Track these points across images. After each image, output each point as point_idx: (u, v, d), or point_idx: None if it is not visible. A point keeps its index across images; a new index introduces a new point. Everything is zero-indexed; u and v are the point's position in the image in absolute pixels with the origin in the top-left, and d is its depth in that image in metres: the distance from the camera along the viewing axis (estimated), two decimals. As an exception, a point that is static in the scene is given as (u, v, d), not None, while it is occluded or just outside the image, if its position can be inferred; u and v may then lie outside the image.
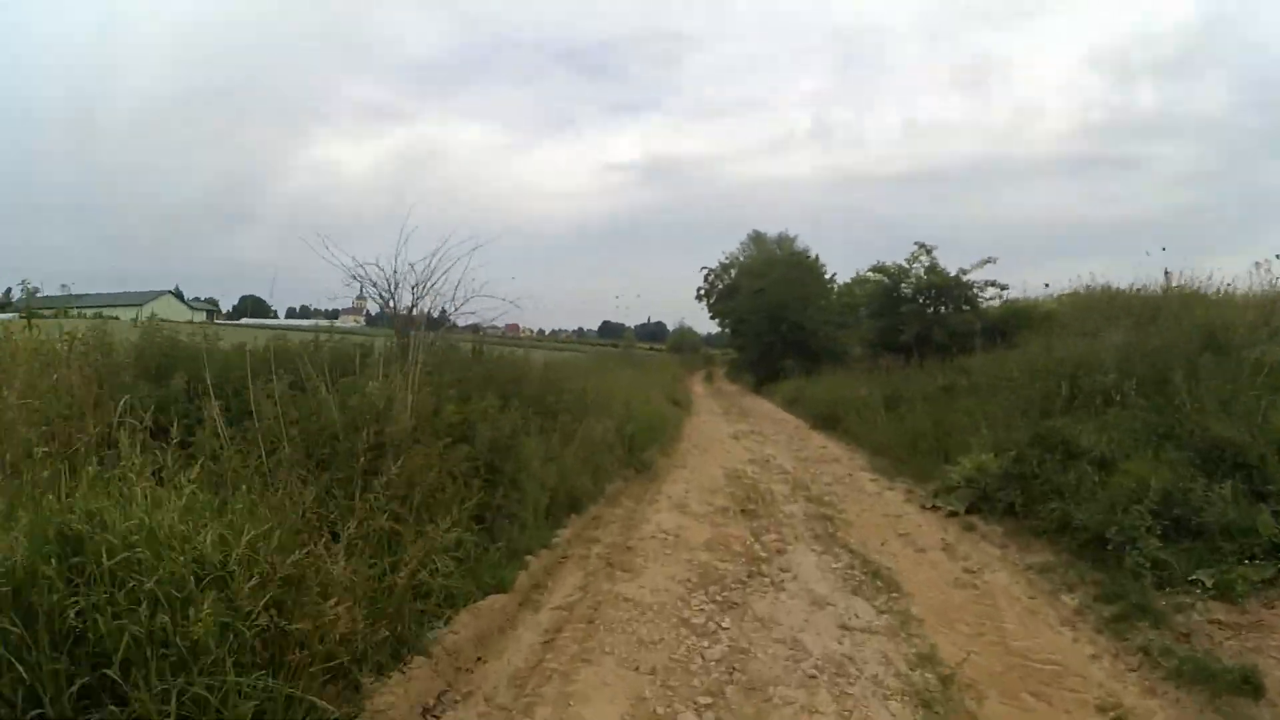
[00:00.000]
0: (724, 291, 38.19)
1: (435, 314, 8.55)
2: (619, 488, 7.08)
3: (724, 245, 38.35)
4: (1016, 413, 7.94)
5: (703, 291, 39.53)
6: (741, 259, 37.56)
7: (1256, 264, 10.20)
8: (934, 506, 7.01)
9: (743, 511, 6.44)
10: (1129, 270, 18.70)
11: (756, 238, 37.15)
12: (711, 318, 38.86)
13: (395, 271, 7.72)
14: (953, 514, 6.70)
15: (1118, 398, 7.08)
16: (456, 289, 8.18)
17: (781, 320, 22.47)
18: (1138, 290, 11.48)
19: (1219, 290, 10.02)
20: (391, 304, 8.80)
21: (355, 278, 8.03)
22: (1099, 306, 11.29)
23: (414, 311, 9.10)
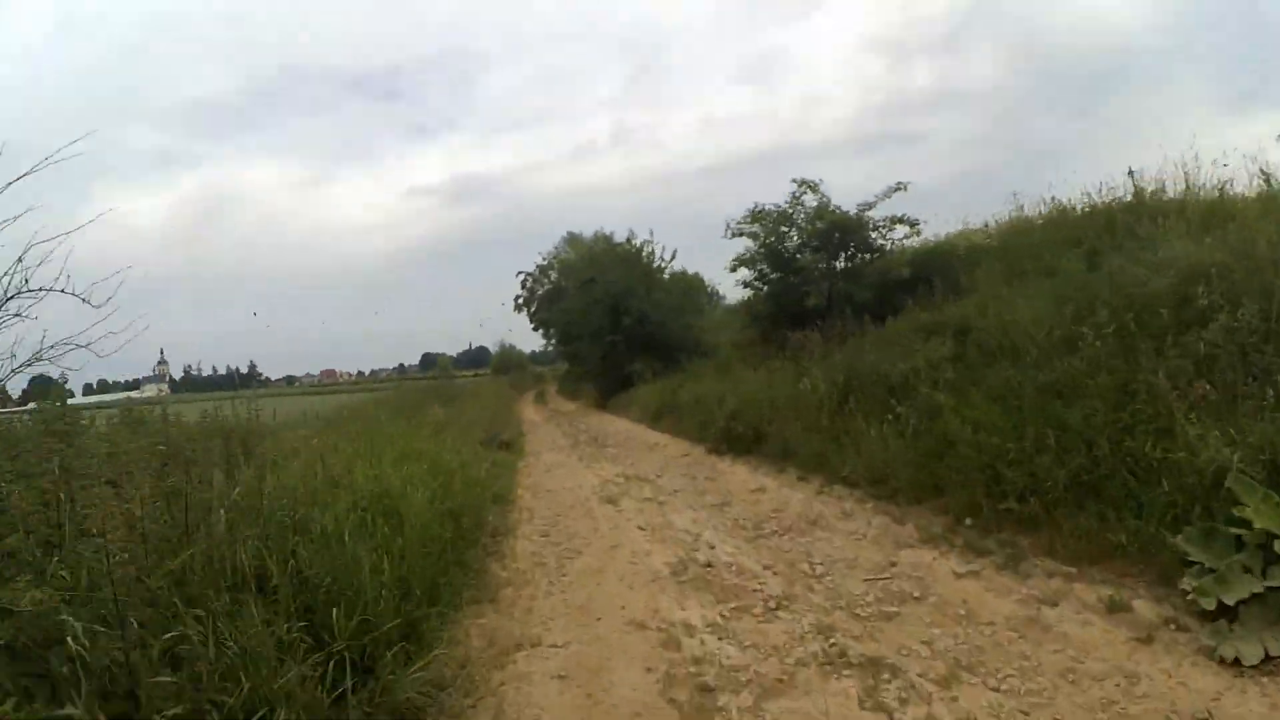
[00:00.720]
0: (546, 297, 32.84)
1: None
2: None
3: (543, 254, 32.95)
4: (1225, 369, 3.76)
5: (522, 300, 33.93)
6: (560, 257, 32.62)
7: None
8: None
9: None
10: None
11: (572, 239, 32.46)
12: (535, 328, 33.39)
13: None
14: None
15: None
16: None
17: (623, 313, 17.75)
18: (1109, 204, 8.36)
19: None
20: None
21: None
22: (1068, 229, 7.94)
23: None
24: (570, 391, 28.28)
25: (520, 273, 33.56)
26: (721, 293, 22.86)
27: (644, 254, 19.11)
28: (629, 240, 19.13)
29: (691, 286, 23.12)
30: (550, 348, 33.44)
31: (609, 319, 18.18)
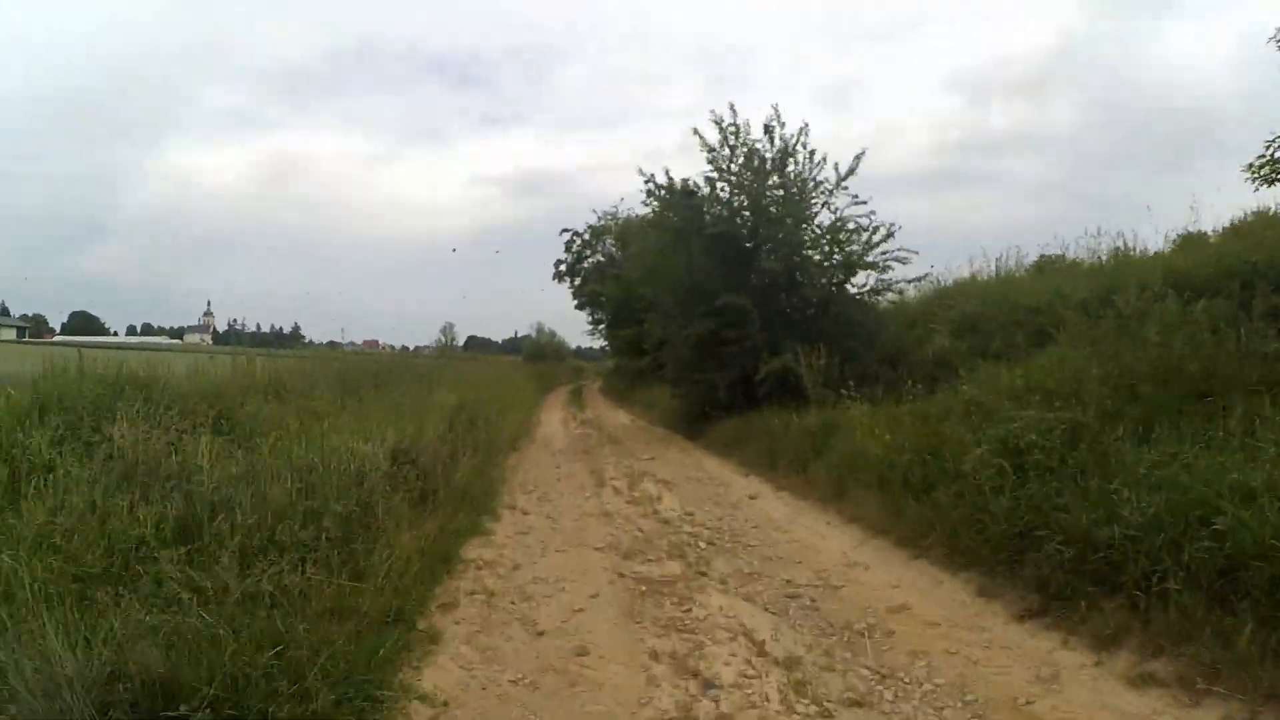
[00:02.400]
0: (596, 269, 23.61)
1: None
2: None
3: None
4: None
5: (564, 267, 24.61)
6: (621, 219, 23.30)
7: None
8: None
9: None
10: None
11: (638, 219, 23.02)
12: (578, 305, 24.05)
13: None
14: None
15: None
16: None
17: (761, 252, 8.23)
18: None
19: None
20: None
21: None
22: None
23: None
24: (620, 394, 18.81)
25: (566, 230, 24.32)
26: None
27: (795, 158, 9.40)
28: (768, 130, 9.41)
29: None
30: (597, 334, 24.10)
31: (722, 266, 8.67)
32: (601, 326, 24.05)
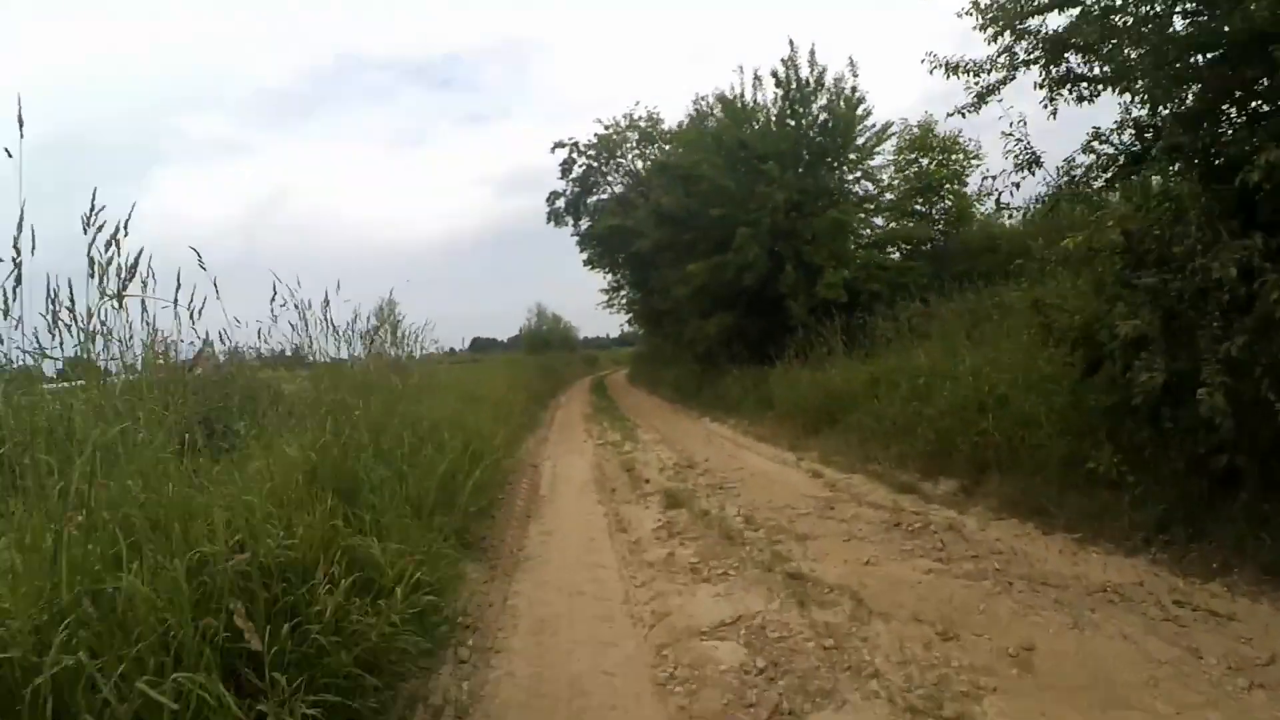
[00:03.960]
0: (617, 204, 15.87)
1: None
2: None
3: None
4: None
5: (562, 202, 16.69)
6: (639, 121, 15.51)
7: None
8: None
9: None
10: None
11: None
12: (588, 262, 16.21)
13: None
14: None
15: None
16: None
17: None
18: None
19: None
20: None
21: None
22: None
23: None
24: (681, 389, 10.85)
25: (560, 145, 16.42)
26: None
27: None
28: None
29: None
30: (615, 302, 16.38)
31: None
32: (622, 293, 16.46)
